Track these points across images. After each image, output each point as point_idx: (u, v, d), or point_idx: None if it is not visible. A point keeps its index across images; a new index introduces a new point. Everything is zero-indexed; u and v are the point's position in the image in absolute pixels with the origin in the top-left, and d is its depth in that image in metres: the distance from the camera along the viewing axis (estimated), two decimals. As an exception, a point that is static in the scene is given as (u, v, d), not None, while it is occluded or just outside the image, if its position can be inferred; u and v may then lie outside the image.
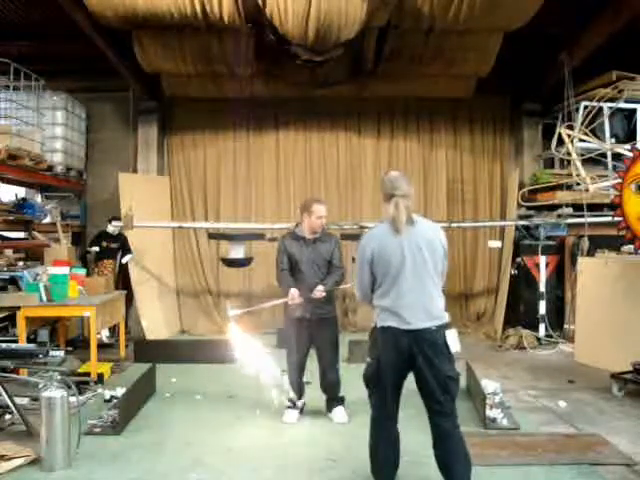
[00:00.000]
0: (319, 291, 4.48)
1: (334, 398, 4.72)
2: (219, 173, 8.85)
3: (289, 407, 4.72)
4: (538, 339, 7.56)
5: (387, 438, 3.23)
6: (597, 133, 7.62)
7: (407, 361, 3.06)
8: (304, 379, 4.84)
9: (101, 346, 6.55)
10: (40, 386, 3.93)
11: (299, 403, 4.75)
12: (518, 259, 7.98)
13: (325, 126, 8.85)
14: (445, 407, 3.06)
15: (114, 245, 7.70)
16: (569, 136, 7.46)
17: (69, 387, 3.96)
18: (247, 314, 8.04)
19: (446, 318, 3.10)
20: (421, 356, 3.02)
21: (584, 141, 7.51)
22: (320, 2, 5.68)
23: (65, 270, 6.10)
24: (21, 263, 6.63)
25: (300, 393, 4.74)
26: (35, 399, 4.41)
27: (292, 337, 4.68)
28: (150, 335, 7.60)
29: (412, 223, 3.11)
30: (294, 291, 4.51)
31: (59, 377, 3.90)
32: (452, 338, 3.06)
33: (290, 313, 4.66)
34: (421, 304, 3.05)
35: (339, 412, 4.67)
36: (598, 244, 7.20)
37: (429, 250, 3.09)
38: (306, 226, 4.62)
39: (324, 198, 8.60)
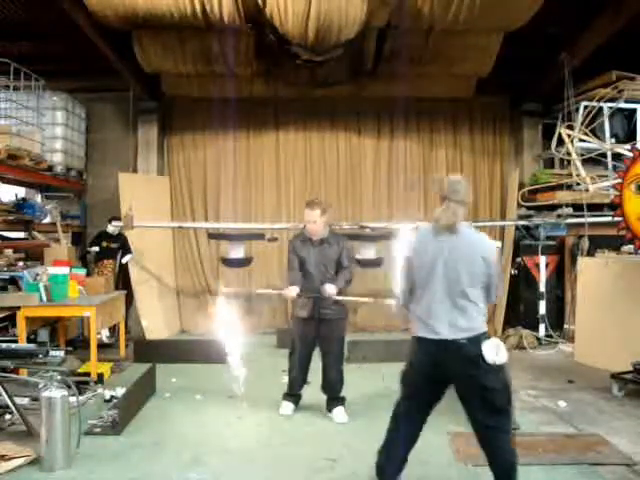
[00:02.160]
0: (330, 288, 4.50)
1: (335, 398, 4.73)
2: (219, 173, 8.84)
3: (285, 399, 4.81)
4: (538, 339, 7.57)
5: (399, 436, 3.20)
6: (597, 133, 7.62)
7: (438, 371, 3.02)
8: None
9: (101, 346, 6.54)
10: (40, 386, 3.92)
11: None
12: (518, 259, 7.98)
13: (325, 126, 8.85)
14: (485, 419, 2.99)
15: (114, 245, 7.69)
16: (569, 136, 7.46)
17: (69, 387, 3.96)
18: (246, 313, 8.08)
19: (480, 330, 3.01)
20: (451, 367, 2.99)
21: (584, 141, 7.51)
22: (320, 2, 5.68)
23: (65, 270, 6.09)
24: (21, 263, 6.61)
25: (300, 387, 4.83)
26: (35, 399, 4.41)
27: (297, 336, 4.73)
28: (150, 335, 7.60)
29: (455, 232, 3.05)
30: (293, 288, 4.58)
31: (59, 377, 3.89)
32: (489, 349, 2.96)
33: (297, 312, 4.71)
34: (449, 316, 3.00)
35: (339, 412, 4.67)
36: (598, 244, 7.20)
37: (465, 262, 3.02)
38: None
39: (324, 198, 8.67)
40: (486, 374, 2.94)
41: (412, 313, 3.17)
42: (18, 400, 4.44)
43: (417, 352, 3.13)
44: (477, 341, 2.97)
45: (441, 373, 3.04)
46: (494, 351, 2.96)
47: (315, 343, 4.71)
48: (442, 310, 3.02)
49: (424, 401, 3.18)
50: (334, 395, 4.73)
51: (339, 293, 4.61)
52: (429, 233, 3.14)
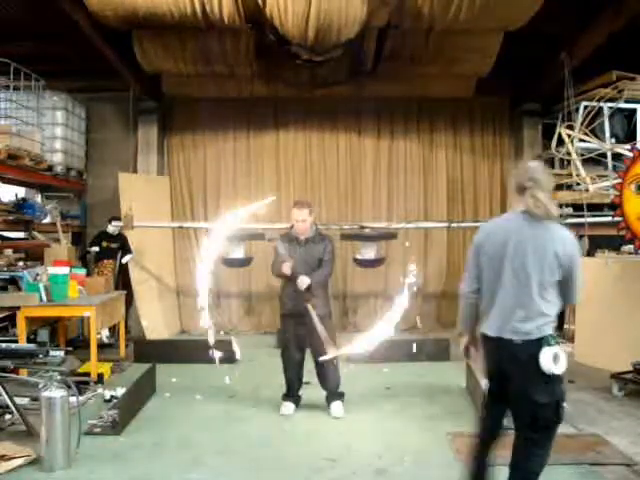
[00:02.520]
0: (303, 279, 4.55)
1: (333, 393, 4.79)
2: (219, 173, 8.84)
3: (285, 399, 4.85)
4: (538, 339, 7.55)
5: (481, 426, 3.15)
6: (597, 133, 7.62)
7: (501, 369, 2.91)
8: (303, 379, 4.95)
9: (101, 346, 6.53)
10: (40, 386, 3.92)
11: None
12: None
13: (325, 126, 8.85)
14: (530, 433, 2.86)
15: (114, 245, 7.69)
16: (569, 136, 7.45)
17: (69, 387, 3.96)
18: (246, 314, 8.06)
19: (541, 333, 2.78)
20: (508, 367, 2.87)
21: (584, 141, 7.50)
22: (320, 2, 5.68)
23: (65, 270, 6.08)
24: (21, 263, 6.61)
25: (297, 388, 4.88)
26: (35, 399, 4.41)
27: (287, 334, 4.81)
28: (150, 335, 7.59)
29: (542, 225, 2.83)
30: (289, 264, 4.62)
31: (59, 377, 3.89)
32: (547, 356, 2.73)
33: (284, 306, 4.78)
34: (510, 314, 2.83)
35: (336, 407, 4.74)
36: (598, 244, 7.20)
37: (536, 256, 2.80)
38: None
39: (323, 198, 8.70)
40: (539, 385, 2.76)
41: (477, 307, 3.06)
42: (18, 400, 4.44)
43: (483, 350, 3.04)
44: (536, 345, 2.77)
45: (503, 371, 2.91)
46: (552, 359, 2.74)
47: (306, 342, 4.75)
48: (503, 308, 2.86)
49: (499, 397, 3.03)
50: (331, 390, 4.80)
51: (319, 287, 4.65)
52: (505, 223, 3.01)
